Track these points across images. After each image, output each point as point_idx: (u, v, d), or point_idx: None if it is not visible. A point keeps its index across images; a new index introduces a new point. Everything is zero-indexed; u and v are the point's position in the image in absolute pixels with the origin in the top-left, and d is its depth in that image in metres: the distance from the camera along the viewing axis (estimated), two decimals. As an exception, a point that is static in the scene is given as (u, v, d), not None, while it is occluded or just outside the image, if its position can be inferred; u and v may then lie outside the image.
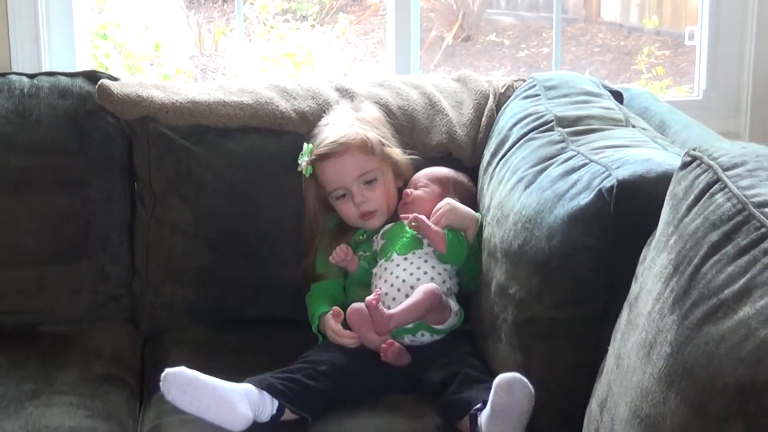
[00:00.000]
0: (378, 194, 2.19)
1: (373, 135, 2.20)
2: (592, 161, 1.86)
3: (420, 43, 3.03)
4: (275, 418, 1.84)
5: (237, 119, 2.31)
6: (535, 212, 1.86)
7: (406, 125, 2.36)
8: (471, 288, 2.12)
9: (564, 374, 1.78)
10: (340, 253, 2.15)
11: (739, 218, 1.37)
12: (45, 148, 2.27)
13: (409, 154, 2.28)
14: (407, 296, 2.02)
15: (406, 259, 2.10)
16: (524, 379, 1.68)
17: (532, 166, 1.99)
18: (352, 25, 4.66)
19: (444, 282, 2.08)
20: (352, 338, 2.02)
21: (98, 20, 3.82)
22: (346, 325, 2.05)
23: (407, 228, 2.13)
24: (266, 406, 1.83)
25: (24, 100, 2.30)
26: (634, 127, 2.10)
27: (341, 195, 2.20)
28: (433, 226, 2.09)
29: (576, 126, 2.07)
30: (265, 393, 1.83)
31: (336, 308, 2.08)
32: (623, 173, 1.74)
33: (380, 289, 2.04)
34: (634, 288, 1.56)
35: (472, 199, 2.23)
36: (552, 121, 2.11)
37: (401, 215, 2.18)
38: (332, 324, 2.06)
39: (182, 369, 1.81)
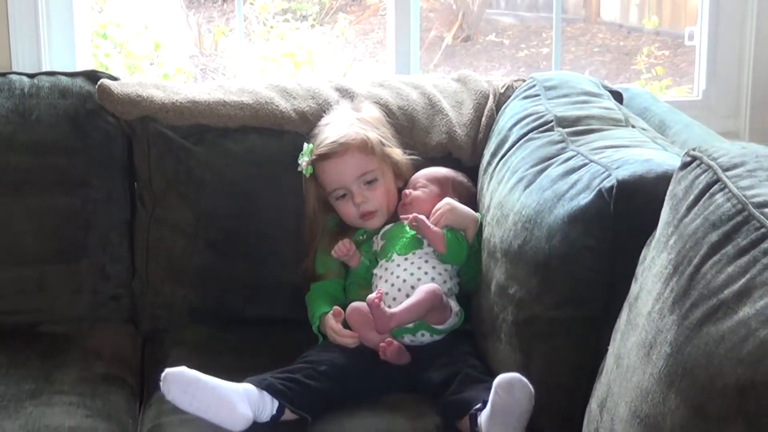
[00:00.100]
0: (378, 194, 2.19)
1: (373, 135, 2.20)
2: (591, 161, 1.86)
3: (420, 43, 3.03)
4: (275, 418, 1.84)
5: (237, 119, 2.31)
6: (535, 212, 1.86)
7: (406, 125, 2.36)
8: (471, 288, 2.12)
9: (564, 374, 1.79)
10: (343, 248, 2.16)
11: (738, 218, 1.37)
12: (45, 147, 2.27)
13: (409, 154, 2.28)
14: (408, 296, 2.02)
15: (406, 259, 2.10)
16: (524, 379, 1.69)
17: (532, 166, 1.99)
18: (351, 25, 4.66)
19: (445, 282, 2.08)
20: (352, 338, 2.02)
21: (98, 20, 3.82)
22: (346, 324, 2.05)
23: (407, 228, 2.13)
24: (266, 406, 1.83)
25: (24, 100, 2.30)
26: (633, 127, 2.10)
27: (341, 195, 2.20)
28: (432, 226, 2.09)
29: (576, 126, 2.07)
30: (265, 393, 1.83)
31: (336, 308, 2.08)
32: (623, 173, 1.74)
33: (381, 288, 2.04)
34: (634, 288, 1.56)
35: (471, 198, 2.23)
36: (552, 121, 2.12)
37: (401, 216, 2.18)
38: (332, 323, 2.06)
39: (182, 369, 1.81)
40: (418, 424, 1.88)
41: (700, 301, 1.33)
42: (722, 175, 1.46)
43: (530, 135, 2.12)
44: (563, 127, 2.07)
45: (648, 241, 1.59)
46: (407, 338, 2.03)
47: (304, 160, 2.21)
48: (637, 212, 1.69)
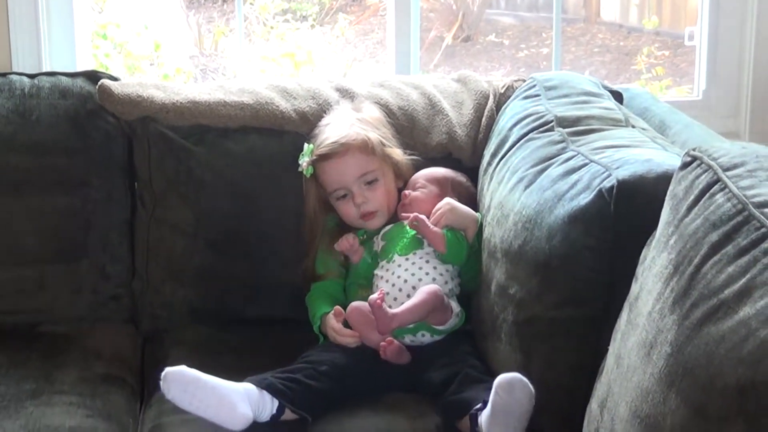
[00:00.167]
0: (379, 195, 2.19)
1: (373, 135, 2.20)
2: (592, 161, 1.86)
3: (420, 44, 3.03)
4: (275, 418, 1.84)
5: (237, 119, 2.31)
6: (535, 212, 1.86)
7: (407, 125, 2.36)
8: (471, 288, 2.12)
9: (564, 374, 1.79)
10: (346, 242, 2.16)
11: (739, 218, 1.37)
12: (45, 148, 2.27)
13: (410, 155, 2.28)
14: (409, 297, 2.02)
15: (407, 259, 2.10)
16: (524, 379, 1.69)
17: (532, 166, 1.99)
18: (351, 26, 4.66)
19: (446, 283, 2.08)
20: (352, 337, 2.02)
21: (98, 20, 3.82)
22: (346, 324, 2.05)
23: (407, 228, 2.13)
24: (266, 405, 1.83)
25: (24, 100, 2.30)
26: (633, 127, 2.10)
27: (342, 195, 2.20)
28: (432, 226, 2.09)
29: (576, 126, 2.07)
30: (265, 392, 1.83)
31: (337, 307, 2.08)
32: (623, 173, 1.74)
33: (383, 289, 2.04)
34: (634, 288, 1.56)
35: (470, 198, 2.23)
36: (552, 121, 2.12)
37: (400, 216, 2.18)
38: (333, 323, 2.06)
39: (182, 368, 1.81)
40: (419, 424, 1.88)
41: (700, 301, 1.33)
42: (722, 175, 1.46)
43: (530, 135, 2.12)
44: (563, 127, 2.07)
45: (648, 241, 1.60)
46: (408, 338, 2.03)
47: (304, 161, 2.21)
48: (638, 212, 1.69)
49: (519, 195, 1.95)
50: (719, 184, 1.45)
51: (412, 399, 1.95)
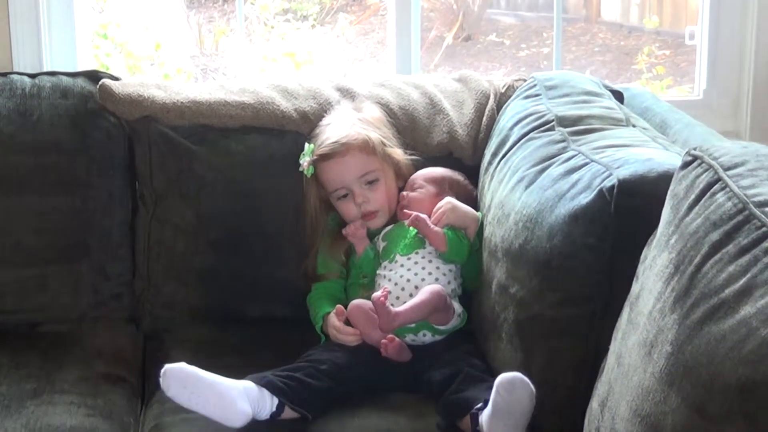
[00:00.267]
0: (379, 194, 2.19)
1: (374, 135, 2.21)
2: (592, 161, 1.86)
3: (420, 43, 3.03)
4: (275, 416, 1.84)
5: (238, 119, 2.31)
6: (536, 212, 1.86)
7: (407, 125, 2.36)
8: (471, 287, 2.12)
9: (565, 373, 1.79)
10: (353, 227, 2.15)
11: (739, 218, 1.37)
12: (46, 147, 2.27)
13: (410, 154, 2.28)
14: (411, 296, 2.02)
15: (409, 259, 2.10)
16: (525, 378, 1.69)
17: (533, 166, 1.99)
18: (352, 25, 4.66)
19: (449, 283, 2.08)
20: (354, 335, 2.02)
21: (99, 20, 3.82)
22: (348, 323, 2.05)
23: (409, 228, 2.13)
24: (266, 403, 1.83)
25: (25, 100, 2.30)
26: (634, 126, 2.10)
27: (343, 195, 2.20)
28: (432, 226, 2.09)
29: (577, 126, 2.07)
30: (264, 390, 1.83)
31: (339, 306, 2.08)
32: (624, 173, 1.74)
33: (386, 287, 2.04)
34: (635, 287, 1.56)
35: (469, 197, 2.23)
36: (553, 120, 2.12)
37: (400, 217, 2.18)
38: (334, 322, 2.06)
39: (182, 365, 1.81)
40: (419, 424, 1.87)
41: (701, 300, 1.33)
42: (723, 175, 1.46)
43: (531, 134, 2.12)
44: (564, 127, 2.07)
45: (649, 240, 1.60)
46: (409, 337, 2.03)
47: (305, 160, 2.21)
48: (638, 212, 1.69)
49: (520, 194, 1.95)
50: (720, 183, 1.45)
51: (412, 398, 1.95)
